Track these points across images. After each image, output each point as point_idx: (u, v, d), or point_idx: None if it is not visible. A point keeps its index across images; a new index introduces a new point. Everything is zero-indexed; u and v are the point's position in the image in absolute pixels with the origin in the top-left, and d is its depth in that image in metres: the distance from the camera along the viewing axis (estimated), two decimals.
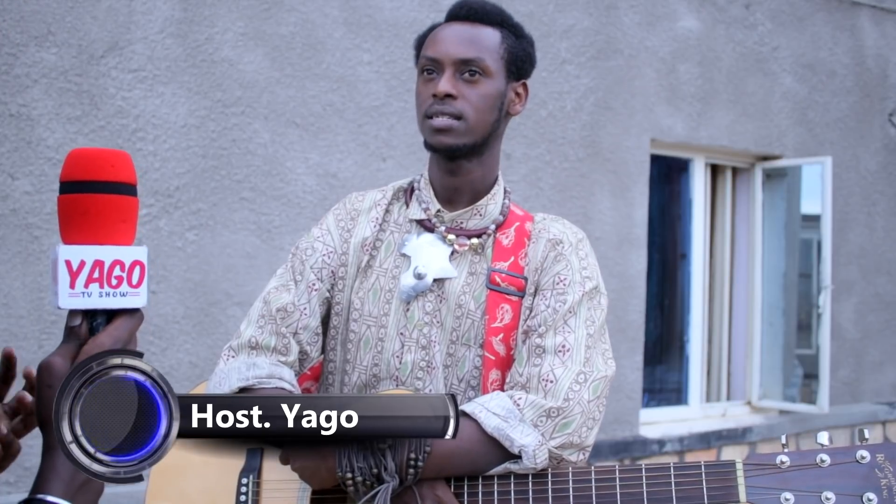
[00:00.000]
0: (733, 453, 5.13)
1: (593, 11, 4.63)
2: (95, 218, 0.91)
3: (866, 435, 1.44)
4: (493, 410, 1.48)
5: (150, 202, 3.46)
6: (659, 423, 5.06)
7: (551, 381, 1.50)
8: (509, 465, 1.47)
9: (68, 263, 0.90)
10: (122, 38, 3.39)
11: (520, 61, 1.64)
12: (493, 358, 1.58)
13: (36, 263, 3.23)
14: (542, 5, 4.44)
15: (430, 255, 1.62)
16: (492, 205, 1.66)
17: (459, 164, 1.62)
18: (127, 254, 0.92)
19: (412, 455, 1.43)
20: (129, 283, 0.92)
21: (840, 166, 5.49)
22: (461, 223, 1.65)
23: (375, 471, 1.43)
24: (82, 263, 0.90)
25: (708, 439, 5.02)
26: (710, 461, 1.48)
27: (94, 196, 0.91)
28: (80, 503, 0.87)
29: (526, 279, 1.62)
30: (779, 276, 5.38)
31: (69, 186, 0.91)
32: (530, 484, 1.46)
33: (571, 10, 4.54)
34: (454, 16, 1.63)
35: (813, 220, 5.27)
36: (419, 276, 1.61)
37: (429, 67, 1.60)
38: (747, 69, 5.22)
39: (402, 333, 1.61)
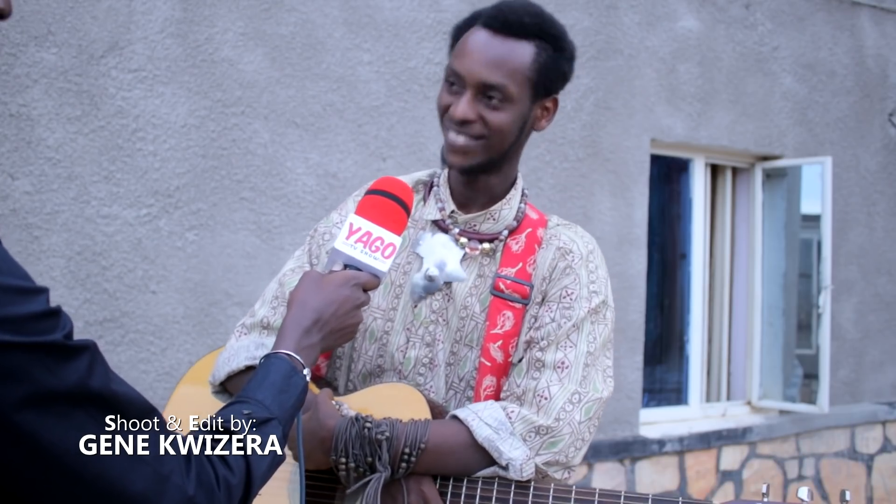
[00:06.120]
0: (733, 453, 5.14)
1: (593, 11, 4.63)
2: (382, 211, 1.38)
3: (847, 497, 1.45)
4: (485, 420, 1.50)
5: (150, 202, 3.46)
6: (659, 423, 5.06)
7: (545, 398, 1.51)
8: (497, 470, 1.50)
9: (354, 226, 1.36)
10: (122, 38, 3.39)
11: (550, 79, 1.56)
12: (488, 364, 1.58)
13: (36, 263, 3.22)
14: (542, 5, 4.44)
15: (443, 258, 1.62)
16: (506, 209, 1.65)
17: (476, 176, 1.61)
18: (387, 236, 1.37)
19: (407, 449, 1.46)
20: (382, 254, 1.36)
21: (840, 166, 5.49)
22: (475, 226, 1.64)
23: (370, 460, 1.46)
24: (365, 232, 1.36)
25: (708, 439, 5.02)
26: (688, 498, 1.49)
27: (388, 200, 1.40)
28: (304, 357, 1.25)
29: (532, 287, 1.61)
30: (779, 276, 5.38)
31: (378, 192, 1.41)
32: (512, 493, 1.50)
33: (571, 10, 4.54)
34: (489, 23, 1.54)
35: (813, 220, 5.27)
36: (430, 279, 1.61)
37: (451, 79, 1.55)
38: (747, 69, 5.22)
39: (408, 329, 1.62)
